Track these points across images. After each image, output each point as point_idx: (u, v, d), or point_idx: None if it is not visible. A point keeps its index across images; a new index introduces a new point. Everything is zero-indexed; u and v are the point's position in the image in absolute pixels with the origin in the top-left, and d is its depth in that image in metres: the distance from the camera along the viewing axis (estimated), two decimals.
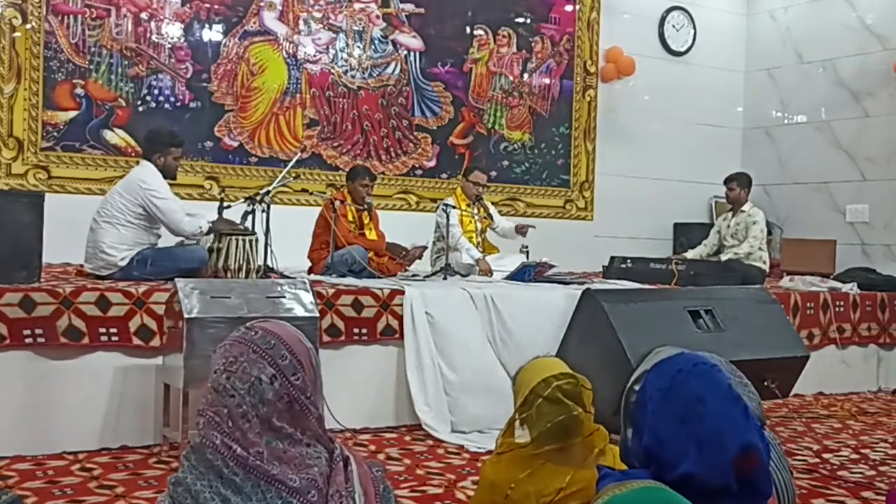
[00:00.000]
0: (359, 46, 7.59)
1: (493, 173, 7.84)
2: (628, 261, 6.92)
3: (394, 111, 7.74)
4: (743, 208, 6.92)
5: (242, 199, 5.49)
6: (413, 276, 5.84)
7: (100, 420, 4.24)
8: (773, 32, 9.34)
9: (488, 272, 6.20)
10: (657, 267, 6.66)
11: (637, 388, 1.71)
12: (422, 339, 4.95)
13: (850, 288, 6.82)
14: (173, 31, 6.86)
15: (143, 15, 6.75)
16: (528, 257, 6.30)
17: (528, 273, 5.93)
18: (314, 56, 7.41)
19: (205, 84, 6.97)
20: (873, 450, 4.76)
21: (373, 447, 4.45)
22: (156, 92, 6.80)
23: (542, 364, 2.69)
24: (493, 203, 7.05)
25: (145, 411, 4.32)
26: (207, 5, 6.97)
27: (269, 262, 5.28)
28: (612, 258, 7.07)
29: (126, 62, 6.69)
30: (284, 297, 4.21)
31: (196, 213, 5.08)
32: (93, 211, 4.99)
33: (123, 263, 4.83)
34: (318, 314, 4.29)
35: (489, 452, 3.99)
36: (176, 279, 4.13)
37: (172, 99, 6.86)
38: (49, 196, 4.61)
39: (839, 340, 6.55)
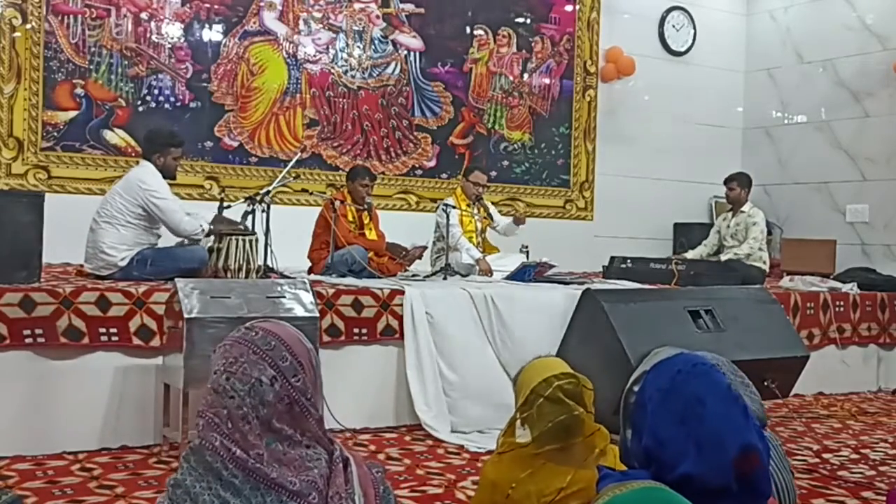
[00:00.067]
0: (359, 46, 7.59)
1: (493, 173, 7.84)
2: (628, 261, 6.92)
3: (394, 111, 7.74)
4: (743, 208, 6.92)
5: (242, 199, 5.49)
6: (413, 276, 5.84)
7: (100, 420, 4.24)
8: (773, 32, 9.34)
9: (488, 272, 6.20)
10: (657, 267, 6.66)
11: (636, 388, 1.71)
12: (422, 339, 4.95)
13: (850, 288, 6.82)
14: (173, 31, 6.86)
15: (143, 15, 6.75)
16: (528, 257, 6.30)
17: (528, 273, 5.93)
18: (314, 56, 7.41)
19: (205, 84, 6.97)
20: (873, 450, 4.76)
21: (373, 447, 4.45)
22: (156, 92, 6.80)
23: (544, 364, 2.69)
24: (492, 203, 7.05)
25: (145, 411, 4.32)
26: (207, 5, 6.97)
27: (269, 262, 5.28)
28: (612, 258, 7.07)
29: (126, 62, 6.69)
30: (284, 297, 4.21)
31: (193, 213, 5.08)
32: (93, 211, 4.98)
33: (123, 263, 4.83)
34: (318, 314, 4.29)
35: (489, 452, 4.00)
36: (176, 279, 4.13)
37: (172, 99, 6.86)
38: (49, 196, 4.61)
39: (839, 340, 6.55)
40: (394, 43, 7.75)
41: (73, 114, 6.50)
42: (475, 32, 8.14)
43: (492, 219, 6.70)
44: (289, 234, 5.61)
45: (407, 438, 4.67)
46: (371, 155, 7.60)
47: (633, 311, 4.67)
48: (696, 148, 9.15)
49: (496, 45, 8.25)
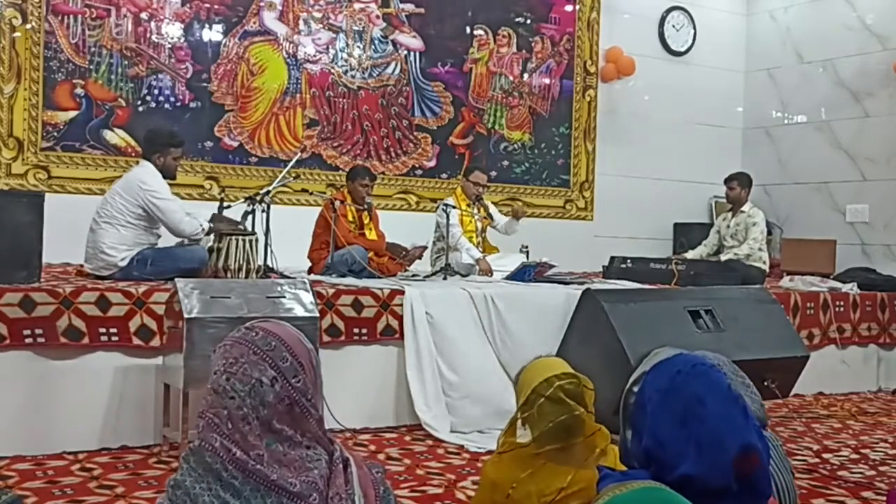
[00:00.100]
0: (359, 46, 7.59)
1: (493, 173, 7.84)
2: (628, 261, 6.91)
3: (394, 111, 7.74)
4: (743, 209, 6.92)
5: (242, 199, 5.49)
6: (413, 276, 5.84)
7: (100, 420, 4.24)
8: (773, 32, 9.34)
9: (488, 272, 6.20)
10: (657, 267, 6.66)
11: (636, 389, 1.71)
12: (421, 339, 4.95)
13: (850, 288, 6.82)
14: (173, 31, 6.86)
15: (143, 15, 6.75)
16: (528, 257, 6.30)
17: (528, 273, 5.93)
18: (314, 56, 7.41)
19: (205, 84, 6.97)
20: (873, 450, 4.76)
21: (373, 447, 4.45)
22: (156, 92, 6.80)
23: (545, 364, 2.70)
24: (492, 203, 7.05)
25: (145, 411, 4.32)
26: (207, 5, 6.97)
27: (269, 262, 5.28)
28: (612, 258, 7.07)
29: (126, 62, 6.69)
30: (284, 297, 4.21)
31: (192, 213, 5.08)
32: (93, 211, 4.98)
33: (123, 264, 4.83)
34: (318, 314, 4.29)
35: (489, 452, 4.00)
36: (176, 279, 4.13)
37: (172, 99, 6.86)
38: (49, 196, 4.61)
39: (839, 340, 6.55)
40: (394, 43, 7.75)
41: (73, 114, 6.51)
42: (475, 32, 8.14)
43: (492, 218, 6.70)
44: (289, 234, 5.61)
45: (407, 438, 4.67)
46: (371, 155, 7.60)
47: (633, 311, 4.67)
48: (696, 148, 9.15)
49: (496, 45, 8.25)
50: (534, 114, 8.43)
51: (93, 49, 6.57)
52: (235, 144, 7.08)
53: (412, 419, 4.88)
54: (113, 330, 4.25)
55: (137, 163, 5.26)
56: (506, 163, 8.28)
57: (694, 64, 9.23)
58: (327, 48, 7.46)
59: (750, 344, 4.77)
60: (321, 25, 7.43)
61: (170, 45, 6.85)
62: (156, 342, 4.31)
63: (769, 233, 7.52)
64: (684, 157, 9.07)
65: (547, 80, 8.50)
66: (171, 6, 6.85)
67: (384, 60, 7.71)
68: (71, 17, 6.49)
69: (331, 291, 4.83)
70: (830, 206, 8.72)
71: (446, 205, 6.34)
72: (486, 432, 4.75)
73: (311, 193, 6.60)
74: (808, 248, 7.94)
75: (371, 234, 6.04)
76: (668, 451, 1.61)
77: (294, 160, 6.22)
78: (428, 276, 5.87)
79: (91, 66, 6.56)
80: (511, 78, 8.31)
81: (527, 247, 6.44)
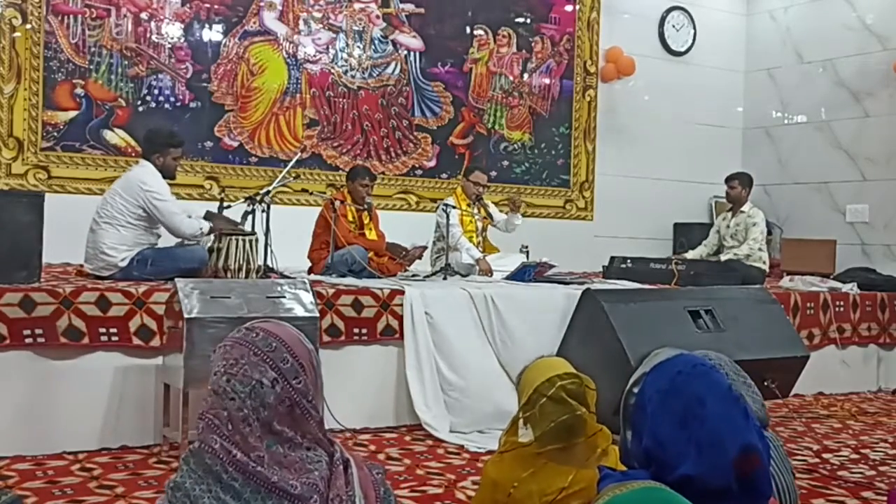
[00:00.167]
0: (359, 46, 7.59)
1: (493, 173, 7.84)
2: (628, 261, 6.91)
3: (394, 111, 7.74)
4: (743, 209, 6.92)
5: (242, 199, 5.49)
6: (413, 276, 5.84)
7: (100, 420, 4.24)
8: (773, 32, 9.34)
9: (488, 272, 6.20)
10: (657, 267, 6.66)
11: (636, 390, 1.71)
12: (421, 340, 4.95)
13: (850, 288, 6.82)
14: (173, 31, 6.86)
15: (143, 15, 6.75)
16: (528, 257, 6.30)
17: (528, 273, 5.93)
18: (314, 56, 7.41)
19: (205, 84, 6.97)
20: (873, 450, 4.77)
21: (373, 447, 4.45)
22: (156, 92, 6.80)
23: (547, 364, 2.70)
24: (493, 203, 7.05)
25: (145, 411, 4.32)
26: (207, 5, 6.97)
27: (269, 262, 5.28)
28: (612, 258, 7.07)
29: (126, 62, 6.69)
30: (284, 297, 4.21)
31: (192, 215, 5.08)
32: (93, 211, 4.98)
33: (124, 264, 4.83)
34: (318, 314, 4.29)
35: (489, 452, 4.00)
36: (176, 279, 4.13)
37: (172, 99, 6.86)
38: (49, 196, 4.61)
39: (839, 340, 6.55)
40: (394, 43, 7.75)
41: (73, 114, 6.51)
42: (475, 32, 8.14)
43: (492, 218, 6.69)
44: (289, 234, 5.61)
45: (407, 438, 4.67)
46: (371, 155, 7.60)
47: (633, 311, 4.67)
48: (696, 148, 9.15)
49: (496, 45, 8.25)
50: (534, 114, 8.43)
51: (93, 49, 6.57)
52: (235, 144, 7.08)
53: (412, 419, 4.88)
54: (113, 330, 4.25)
55: (137, 162, 5.25)
56: (506, 163, 8.28)
57: (694, 64, 9.23)
58: (327, 48, 7.46)
59: (750, 344, 4.77)
60: (321, 25, 7.43)
61: (170, 45, 6.85)
62: (156, 342, 4.31)
63: (769, 233, 7.52)
64: (684, 157, 9.07)
65: (547, 80, 8.50)
66: (171, 6, 6.85)
67: (384, 60, 7.71)
68: (71, 17, 6.49)
69: (331, 291, 4.83)
70: (830, 206, 8.72)
71: (446, 205, 6.34)
72: (486, 432, 4.75)
73: (311, 193, 6.60)
74: (808, 248, 7.94)
75: (371, 234, 6.04)
76: (668, 451, 1.61)
77: (294, 160, 6.22)
78: (428, 276, 5.87)
79: (91, 66, 6.56)
80: (511, 78, 8.31)
81: (527, 247, 6.44)
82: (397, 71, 7.75)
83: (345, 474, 1.65)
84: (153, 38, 6.78)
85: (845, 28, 8.64)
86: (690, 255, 7.19)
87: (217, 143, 7.01)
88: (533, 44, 8.42)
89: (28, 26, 6.32)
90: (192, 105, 6.92)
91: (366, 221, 6.07)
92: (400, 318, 4.95)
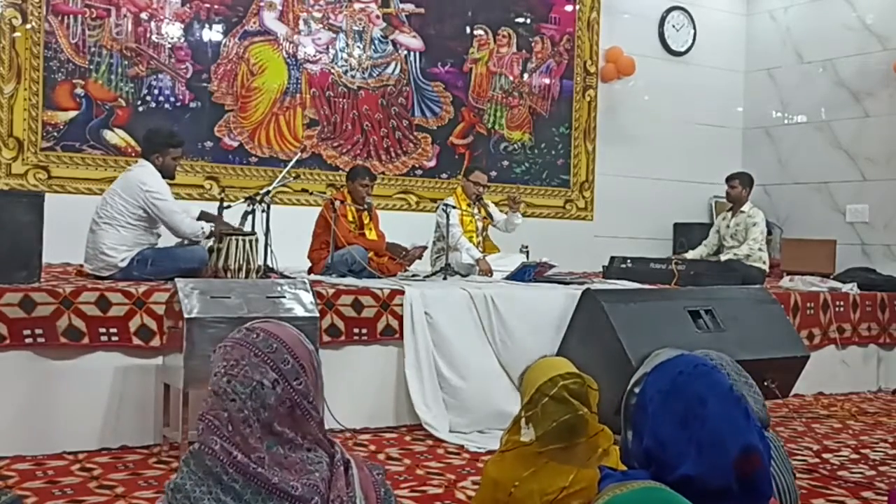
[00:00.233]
0: (359, 46, 7.59)
1: (493, 173, 7.84)
2: (628, 261, 6.92)
3: (394, 111, 7.74)
4: (743, 209, 6.92)
5: (242, 199, 5.49)
6: (413, 276, 5.84)
7: (100, 420, 4.24)
8: (773, 32, 9.34)
9: (488, 272, 6.20)
10: (657, 267, 6.66)
11: (637, 390, 1.71)
12: (421, 340, 4.95)
13: (850, 288, 6.82)
14: (173, 31, 6.86)
15: (143, 15, 6.75)
16: (528, 257, 6.30)
17: (528, 273, 5.93)
18: (314, 56, 7.41)
19: (205, 84, 6.97)
20: (873, 450, 4.77)
21: (373, 447, 4.45)
22: (156, 92, 6.80)
23: (549, 363, 2.71)
24: (493, 203, 7.05)
25: (145, 411, 4.32)
26: (207, 5, 6.97)
27: (269, 262, 5.28)
28: (612, 258, 7.07)
29: (126, 62, 6.69)
30: (284, 297, 4.21)
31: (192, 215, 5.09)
32: (93, 211, 4.98)
33: (124, 264, 4.83)
34: (318, 314, 4.29)
35: (489, 452, 4.00)
36: (176, 279, 4.13)
37: (172, 99, 6.86)
38: (49, 196, 4.61)
39: (839, 340, 6.55)
40: (394, 43, 7.75)
41: (73, 114, 6.50)
42: (475, 32, 8.14)
43: (492, 218, 6.69)
44: (289, 234, 5.61)
45: (407, 438, 4.67)
46: (371, 155, 7.60)
47: (633, 311, 4.67)
48: (696, 148, 9.15)
49: (496, 45, 8.25)
50: (534, 114, 8.43)
51: (93, 49, 6.57)
52: (235, 144, 7.08)
53: (412, 419, 4.88)
54: (113, 330, 4.25)
55: (136, 162, 5.25)
56: (506, 163, 8.28)
57: (694, 64, 9.23)
58: (327, 48, 7.46)
59: (750, 344, 4.77)
60: (321, 25, 7.43)
61: (170, 45, 6.85)
62: (156, 342, 4.31)
63: (769, 233, 7.52)
64: (684, 157, 9.07)
65: (547, 80, 8.50)
66: (171, 6, 6.85)
67: (384, 60, 7.71)
68: (71, 17, 6.49)
69: (331, 291, 4.83)
70: (830, 206, 8.72)
71: (446, 205, 6.34)
72: (486, 432, 4.75)
73: (311, 193, 6.60)
74: (808, 248, 7.94)
75: (371, 234, 6.04)
76: (668, 451, 1.60)
77: (294, 160, 6.22)
78: (428, 276, 5.87)
79: (91, 66, 6.56)
80: (511, 78, 8.31)
81: (527, 247, 6.44)
82: (397, 71, 7.75)
83: (345, 475, 1.65)
84: (153, 38, 6.78)
85: (845, 28, 8.64)
86: (690, 255, 7.19)
87: (217, 143, 7.01)
88: (533, 44, 8.42)
89: (28, 26, 6.32)
90: (192, 105, 6.92)
91: (366, 221, 6.07)
92: (400, 318, 4.95)
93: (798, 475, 3.84)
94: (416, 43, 7.84)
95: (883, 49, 8.36)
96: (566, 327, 4.97)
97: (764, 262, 6.83)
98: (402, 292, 5.01)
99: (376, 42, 7.67)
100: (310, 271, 5.83)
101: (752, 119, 9.51)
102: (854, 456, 4.61)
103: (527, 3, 8.38)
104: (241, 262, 4.84)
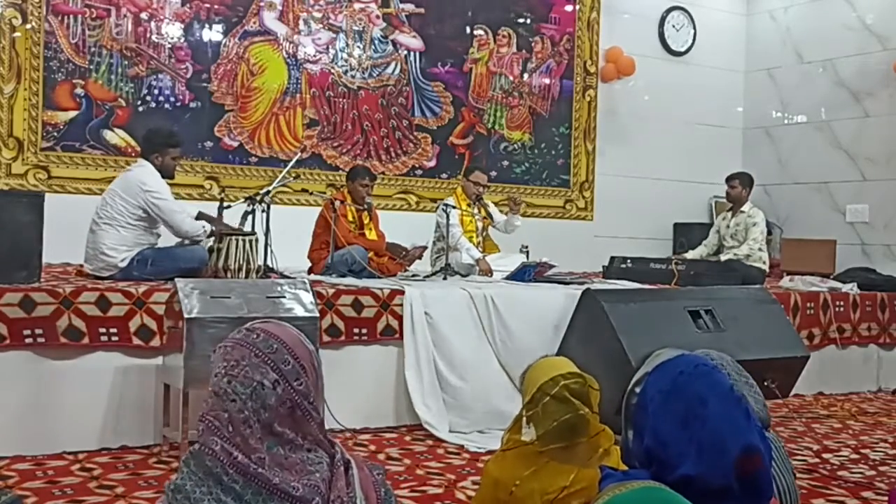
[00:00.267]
0: (359, 46, 7.59)
1: (493, 173, 7.84)
2: (628, 261, 6.92)
3: (394, 111, 7.74)
4: (743, 209, 6.92)
5: (242, 199, 5.49)
6: (413, 276, 5.84)
7: (100, 420, 4.24)
8: (773, 32, 9.34)
9: (488, 272, 6.20)
10: (657, 267, 6.66)
11: (638, 390, 1.71)
12: (421, 340, 4.95)
13: (850, 288, 6.82)
14: (173, 31, 6.86)
15: (143, 15, 6.75)
16: (528, 257, 6.30)
17: (528, 273, 5.93)
18: (314, 56, 7.41)
19: (205, 84, 6.97)
20: (873, 450, 4.77)
21: (373, 447, 4.45)
22: (156, 92, 6.80)
23: (551, 363, 2.71)
24: (493, 203, 7.05)
25: (145, 411, 4.32)
26: (207, 5, 6.97)
27: (269, 262, 5.28)
28: (612, 258, 7.07)
29: (126, 62, 6.69)
30: (284, 297, 4.21)
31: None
32: (93, 211, 4.98)
33: (124, 264, 4.82)
34: (318, 314, 4.28)
35: (489, 452, 4.00)
36: (176, 279, 4.13)
37: (172, 99, 6.86)
38: (49, 196, 4.61)
39: (839, 340, 6.55)
40: (394, 43, 7.75)
41: (73, 114, 6.50)
42: (475, 32, 8.14)
43: (492, 218, 6.70)
44: (289, 234, 5.61)
45: (407, 438, 4.67)
46: (371, 155, 7.60)
47: (633, 311, 4.67)
48: (696, 148, 9.15)
49: (496, 45, 8.25)
50: (534, 114, 8.43)
51: (93, 49, 6.57)
52: (235, 144, 7.08)
53: (412, 419, 4.88)
54: (113, 330, 4.25)
55: (135, 162, 5.25)
56: (506, 163, 8.28)
57: (694, 64, 9.23)
58: (327, 48, 7.46)
59: (750, 344, 4.77)
60: (321, 25, 7.43)
61: (170, 45, 6.84)
62: (156, 342, 4.31)
63: (769, 233, 7.52)
64: (684, 157, 9.07)
65: (547, 80, 8.50)
66: (171, 6, 6.85)
67: (384, 60, 7.71)
68: (71, 17, 6.49)
69: (331, 291, 4.83)
70: (830, 206, 8.73)
71: (446, 205, 6.34)
72: (486, 432, 4.75)
73: (311, 193, 6.60)
74: (808, 248, 7.94)
75: (371, 234, 6.04)
76: (669, 451, 1.60)
77: (294, 160, 6.22)
78: (428, 276, 5.87)
79: (91, 66, 6.56)
80: (511, 78, 8.31)
81: (527, 247, 6.44)
82: (397, 71, 7.75)
83: (346, 475, 1.65)
84: (153, 38, 6.78)
85: (845, 28, 8.64)
86: (690, 255, 7.19)
87: (217, 143, 7.01)
88: (533, 44, 8.42)
89: (28, 26, 6.32)
90: (192, 105, 6.92)
91: (366, 221, 6.07)
92: (400, 318, 4.94)
93: (798, 475, 3.84)
94: (416, 43, 7.84)
95: (883, 49, 8.36)
96: (566, 327, 4.97)
97: (764, 262, 6.83)
98: (402, 292, 5.01)
99: (376, 42, 7.67)
100: (310, 271, 5.83)
101: (752, 119, 9.51)
102: (854, 456, 4.61)
103: (527, 3, 8.38)
104: (241, 262, 4.84)
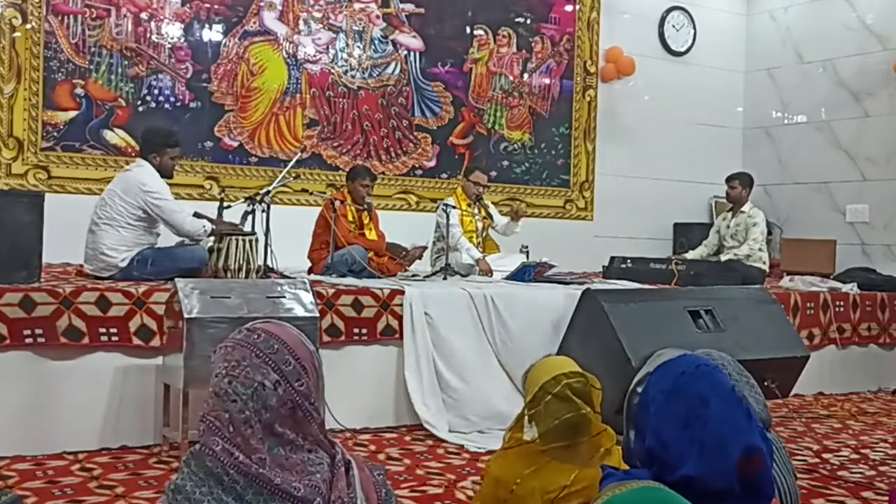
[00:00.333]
0: (359, 46, 7.59)
1: (493, 173, 7.84)
2: (628, 261, 6.92)
3: (394, 111, 7.74)
4: (743, 209, 6.92)
5: (242, 199, 5.49)
6: (413, 276, 5.84)
7: (100, 420, 4.24)
8: (773, 32, 9.34)
9: (488, 272, 6.20)
10: (657, 267, 6.66)
11: (640, 389, 1.71)
12: (420, 340, 4.95)
13: (850, 288, 6.82)
14: (173, 31, 6.86)
15: (143, 15, 6.75)
16: (528, 257, 6.30)
17: (528, 273, 5.93)
18: (314, 56, 7.41)
19: (205, 84, 6.97)
20: (873, 450, 4.77)
21: (373, 447, 4.45)
22: (156, 92, 6.80)
23: (553, 362, 2.72)
24: (493, 203, 7.05)
25: (145, 411, 4.32)
26: (207, 5, 6.97)
27: (269, 262, 5.28)
28: (612, 258, 7.07)
29: (126, 62, 6.69)
30: (284, 297, 4.21)
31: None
32: (92, 211, 4.98)
33: (124, 264, 4.82)
34: (318, 314, 4.29)
35: (489, 452, 4.00)
36: (176, 279, 4.13)
37: (172, 99, 6.86)
38: (49, 196, 4.61)
39: (839, 340, 6.55)
40: (394, 43, 7.75)
41: (73, 114, 6.50)
42: (475, 32, 8.14)
43: (492, 219, 6.70)
44: (289, 234, 5.61)
45: (407, 438, 4.67)
46: (371, 155, 7.60)
47: (633, 311, 4.67)
48: (696, 148, 9.15)
49: (496, 45, 8.24)
50: (534, 114, 8.43)
51: (93, 49, 6.57)
52: (235, 144, 7.08)
53: (412, 419, 4.88)
54: (113, 330, 4.25)
55: (134, 161, 5.25)
56: (506, 163, 8.28)
57: (694, 64, 9.23)
58: (327, 48, 7.46)
59: (750, 344, 4.77)
60: (321, 25, 7.43)
61: (170, 45, 6.84)
62: (156, 342, 4.31)
63: (769, 233, 7.52)
64: (684, 157, 9.07)
65: (547, 80, 8.50)
66: (171, 6, 6.85)
67: (384, 60, 7.71)
68: (71, 17, 6.49)
69: (331, 291, 4.83)
70: (830, 206, 8.72)
71: (446, 205, 6.34)
72: (486, 432, 4.75)
73: (311, 193, 6.60)
74: (808, 248, 7.94)
75: (371, 234, 6.04)
76: (670, 451, 1.60)
77: (294, 160, 6.22)
78: (428, 276, 5.87)
79: (91, 66, 6.56)
80: (511, 78, 8.31)
81: (527, 247, 6.44)
82: (397, 71, 7.75)
83: (346, 476, 1.64)
84: (153, 38, 6.78)
85: (845, 28, 8.64)
86: (690, 255, 7.19)
87: (217, 143, 7.01)
88: (533, 44, 8.42)
89: (28, 26, 6.32)
90: (192, 105, 6.92)
91: (366, 221, 6.07)
92: (400, 318, 4.94)
93: (798, 475, 3.84)
94: (416, 43, 7.84)
95: (883, 49, 8.36)
96: (566, 327, 4.97)
97: (764, 263, 6.83)
98: (402, 292, 5.01)
99: (376, 42, 7.67)
100: (310, 271, 5.83)
101: (752, 119, 9.51)
102: (854, 456, 4.61)
103: (527, 3, 8.38)
104: (241, 262, 4.84)
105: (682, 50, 9.18)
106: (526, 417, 2.60)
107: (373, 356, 4.92)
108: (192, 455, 1.61)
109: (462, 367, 5.00)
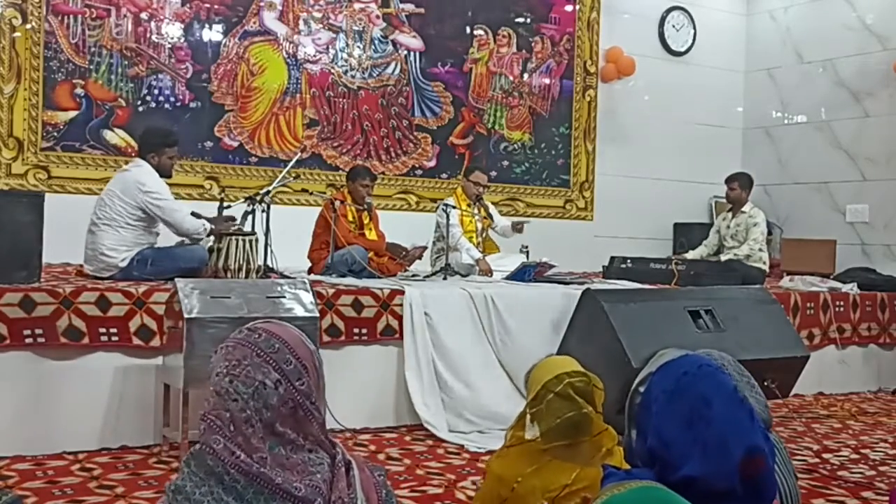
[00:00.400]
0: (359, 46, 7.59)
1: (493, 173, 7.84)
2: (628, 261, 6.92)
3: (394, 111, 7.74)
4: (743, 209, 6.92)
5: (242, 199, 5.49)
6: (413, 276, 5.84)
7: (100, 420, 4.24)
8: (773, 32, 9.34)
9: (488, 272, 6.20)
10: (657, 267, 6.66)
11: (642, 389, 1.71)
12: (420, 340, 4.95)
13: (850, 288, 6.82)
14: (173, 31, 6.86)
15: (143, 15, 6.75)
16: (528, 257, 6.30)
17: (528, 273, 5.93)
18: (314, 56, 7.41)
19: (205, 84, 6.97)
20: (873, 450, 4.77)
21: (373, 447, 4.45)
22: (156, 92, 6.80)
23: (556, 361, 2.72)
24: (493, 203, 7.05)
25: (145, 411, 4.32)
26: (207, 5, 6.97)
27: (269, 262, 5.28)
28: (612, 258, 7.07)
29: (126, 62, 6.69)
30: (284, 297, 4.21)
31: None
32: (91, 212, 4.97)
33: (124, 264, 4.82)
34: (318, 314, 4.29)
35: (489, 452, 4.00)
36: (176, 279, 4.13)
37: (172, 99, 6.85)
38: (49, 196, 4.61)
39: (839, 340, 6.55)
40: (394, 43, 7.75)
41: (73, 114, 6.50)
42: (475, 32, 8.14)
43: (492, 219, 6.70)
44: (289, 234, 5.61)
45: (407, 438, 4.67)
46: (371, 155, 7.60)
47: (633, 311, 4.67)
48: (696, 148, 9.15)
49: (496, 45, 8.24)
50: (534, 114, 8.43)
51: (93, 49, 6.56)
52: (235, 144, 7.08)
53: (412, 419, 4.88)
54: (113, 330, 4.25)
55: (132, 161, 5.24)
56: (506, 163, 8.28)
57: (694, 64, 9.23)
58: (327, 48, 7.46)
59: (750, 344, 4.77)
60: (321, 25, 7.43)
61: (170, 45, 6.84)
62: (156, 342, 4.31)
63: (769, 233, 7.52)
64: (684, 157, 9.07)
65: (547, 80, 8.50)
66: (171, 6, 6.84)
67: (384, 60, 7.71)
68: (71, 17, 6.49)
69: (331, 291, 4.83)
70: (830, 206, 8.72)
71: (446, 205, 6.34)
72: (486, 432, 4.75)
73: (311, 193, 6.60)
74: (808, 248, 7.94)
75: (371, 234, 6.04)
76: (672, 451, 1.60)
77: (294, 160, 6.22)
78: (428, 276, 5.87)
79: (91, 66, 6.56)
80: (511, 78, 8.31)
81: (527, 247, 6.44)
82: (397, 71, 7.75)
83: (346, 476, 1.64)
84: (153, 38, 6.78)
85: (845, 28, 8.64)
86: (690, 255, 7.20)
87: (217, 143, 7.01)
88: (533, 44, 8.42)
89: (28, 26, 6.32)
90: (192, 105, 6.92)
91: (366, 221, 6.07)
92: (400, 318, 4.94)
93: (798, 475, 3.84)
94: (416, 43, 7.84)
95: (883, 49, 8.36)
96: (566, 327, 4.97)
97: (764, 263, 6.83)
98: (402, 292, 5.01)
99: (376, 42, 7.67)
100: (310, 271, 5.83)
101: (752, 119, 9.51)
102: (854, 456, 4.61)
103: (527, 3, 8.38)
104: (241, 262, 4.84)
105: (682, 50, 9.18)
106: (528, 416, 2.61)
107: (373, 356, 4.92)
108: (193, 455, 1.60)
109: (462, 368, 5.00)
